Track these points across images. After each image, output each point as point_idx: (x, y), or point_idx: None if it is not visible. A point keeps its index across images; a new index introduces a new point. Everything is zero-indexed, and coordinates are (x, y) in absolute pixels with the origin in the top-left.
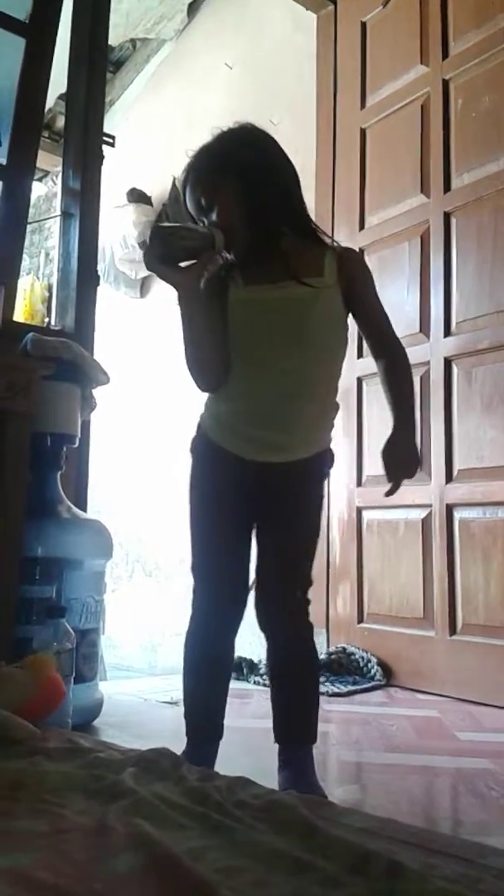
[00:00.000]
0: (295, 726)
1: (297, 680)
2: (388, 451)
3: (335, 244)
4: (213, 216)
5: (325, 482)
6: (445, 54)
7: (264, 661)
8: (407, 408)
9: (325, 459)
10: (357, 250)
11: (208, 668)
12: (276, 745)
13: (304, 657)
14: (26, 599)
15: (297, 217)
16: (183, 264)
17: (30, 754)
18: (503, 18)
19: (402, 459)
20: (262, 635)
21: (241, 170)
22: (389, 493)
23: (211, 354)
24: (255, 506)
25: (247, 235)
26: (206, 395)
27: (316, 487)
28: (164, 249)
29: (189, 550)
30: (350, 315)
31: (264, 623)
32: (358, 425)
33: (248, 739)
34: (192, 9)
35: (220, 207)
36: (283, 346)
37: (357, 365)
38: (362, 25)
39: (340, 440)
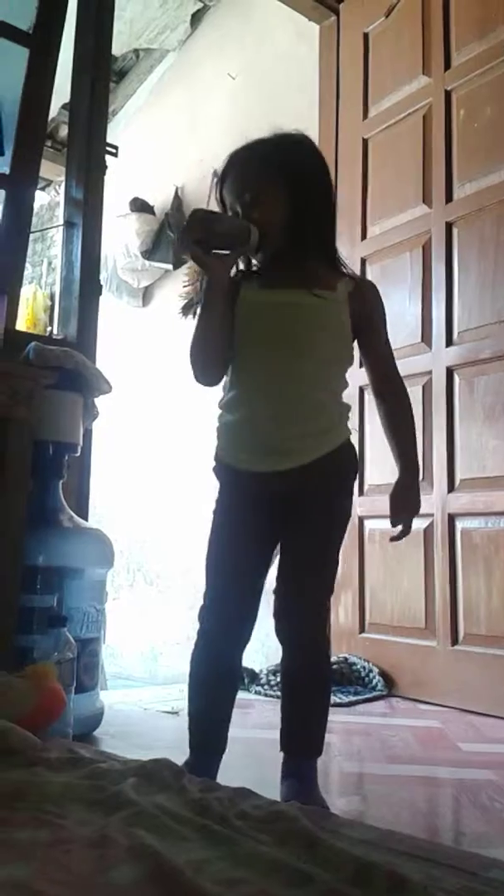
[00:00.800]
0: (302, 737)
1: (309, 692)
2: (398, 497)
3: (351, 273)
4: (253, 212)
5: (351, 482)
6: (448, 65)
7: (266, 671)
8: (413, 453)
9: (344, 455)
10: (374, 284)
11: (215, 684)
12: (279, 755)
13: (318, 670)
14: (27, 608)
15: (327, 239)
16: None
17: (30, 764)
18: None
19: (412, 505)
20: (264, 645)
21: (294, 176)
22: (400, 538)
23: (219, 347)
24: (279, 519)
25: (279, 240)
26: (213, 411)
27: (340, 492)
28: (202, 234)
29: (203, 567)
30: (357, 341)
31: (282, 632)
32: (360, 435)
33: (250, 750)
34: (196, 19)
35: (265, 205)
36: (288, 348)
37: (359, 375)
38: (365, 36)
39: None
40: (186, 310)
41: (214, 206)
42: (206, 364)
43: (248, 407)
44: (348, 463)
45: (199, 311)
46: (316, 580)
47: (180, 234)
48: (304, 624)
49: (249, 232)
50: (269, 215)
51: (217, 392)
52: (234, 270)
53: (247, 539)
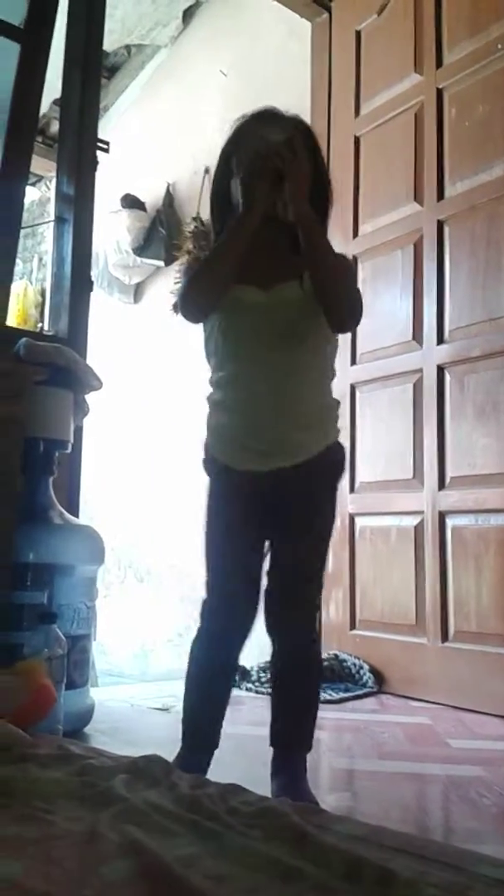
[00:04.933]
0: (291, 732)
1: (299, 687)
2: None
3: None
4: (301, 155)
5: (339, 481)
6: (439, 63)
7: (257, 668)
8: (323, 248)
9: (334, 455)
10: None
11: (213, 679)
12: (270, 752)
13: (309, 666)
14: (17, 605)
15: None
16: None
17: (20, 761)
18: (497, 28)
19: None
20: (255, 642)
21: (316, 157)
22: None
23: (228, 278)
24: (270, 516)
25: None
26: (204, 407)
27: (327, 490)
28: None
29: (203, 564)
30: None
31: (273, 628)
32: (351, 431)
33: (241, 746)
34: (188, 15)
35: (305, 164)
36: (275, 347)
37: (350, 372)
38: (357, 34)
39: None
40: (177, 307)
41: (206, 204)
42: (211, 292)
43: (242, 404)
44: (337, 463)
45: (224, 234)
46: (307, 578)
47: (260, 162)
48: (297, 621)
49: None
50: (305, 176)
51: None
52: None
53: (245, 534)
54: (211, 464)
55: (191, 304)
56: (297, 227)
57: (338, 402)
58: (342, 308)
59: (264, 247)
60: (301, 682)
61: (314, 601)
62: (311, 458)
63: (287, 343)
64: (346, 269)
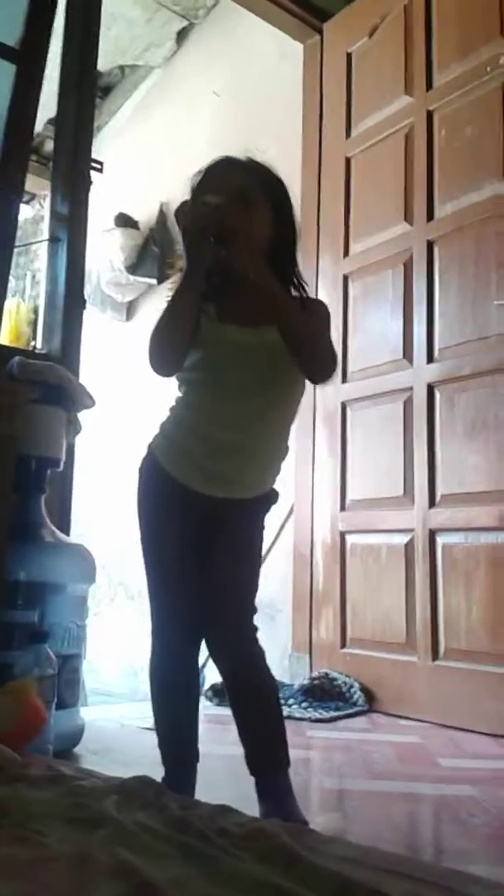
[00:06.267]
0: (266, 755)
1: (258, 706)
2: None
3: (305, 296)
4: (246, 211)
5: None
6: (429, 85)
7: None
8: (299, 320)
9: (271, 498)
10: (324, 302)
11: (178, 695)
12: None
13: (261, 681)
14: (8, 624)
15: (288, 273)
16: None
17: (11, 781)
18: (486, 51)
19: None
20: None
21: (281, 206)
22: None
23: (186, 335)
24: (203, 536)
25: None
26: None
27: (261, 522)
28: (215, 226)
29: (147, 579)
30: None
31: (217, 652)
32: (342, 449)
33: (230, 766)
34: (181, 37)
35: (257, 214)
36: (249, 388)
37: (342, 389)
38: (348, 56)
39: (324, 462)
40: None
41: None
42: (173, 352)
43: (206, 429)
44: (275, 497)
45: (172, 297)
46: (244, 601)
47: (194, 217)
48: (238, 641)
49: (240, 235)
50: (258, 224)
51: None
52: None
53: (186, 550)
54: (154, 471)
55: (155, 365)
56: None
57: (288, 449)
58: (314, 366)
59: (245, 288)
60: (258, 701)
61: (252, 618)
62: (248, 498)
63: (262, 386)
64: (316, 326)
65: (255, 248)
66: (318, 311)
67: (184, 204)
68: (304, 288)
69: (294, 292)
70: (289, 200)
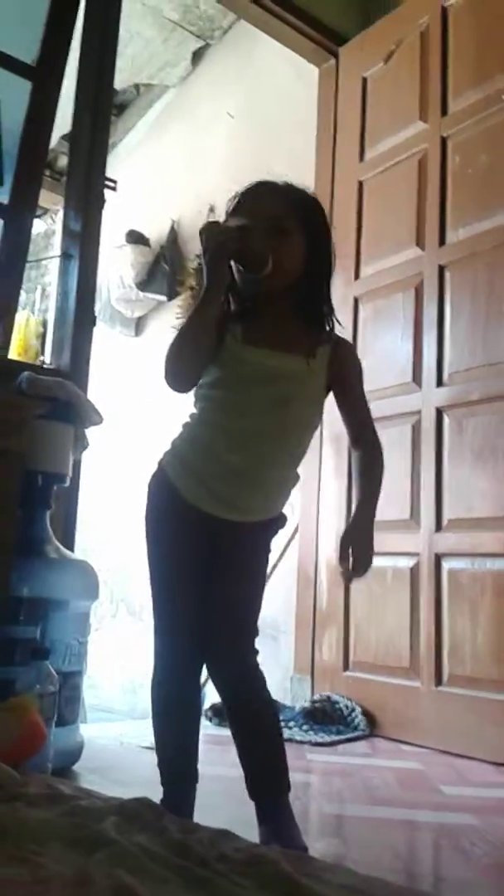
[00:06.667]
0: (266, 780)
1: (259, 731)
2: (350, 537)
3: (334, 333)
4: (278, 240)
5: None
6: (444, 112)
7: None
8: (375, 501)
9: (279, 521)
10: (351, 344)
11: (178, 715)
12: None
13: (262, 706)
14: (10, 640)
15: (321, 306)
16: None
17: (10, 800)
18: (501, 79)
19: (362, 546)
20: None
21: (313, 232)
22: (347, 580)
23: (204, 351)
24: (209, 556)
25: (281, 286)
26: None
27: (268, 545)
28: (239, 245)
29: (152, 598)
30: (334, 396)
31: (216, 674)
32: (348, 467)
33: (230, 788)
34: (197, 57)
35: (289, 241)
36: (268, 413)
37: None
38: (363, 80)
39: (330, 483)
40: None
41: None
42: (190, 367)
43: (218, 450)
44: (283, 521)
45: (190, 314)
46: (246, 624)
47: (218, 236)
48: (239, 665)
49: (268, 261)
50: (289, 253)
51: None
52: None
53: (191, 570)
54: (160, 481)
55: (170, 380)
56: (300, 296)
57: (299, 476)
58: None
59: (274, 314)
60: (259, 726)
61: (253, 643)
62: (256, 521)
63: (281, 410)
64: (380, 473)
65: (282, 277)
66: (354, 369)
67: (212, 224)
68: (333, 321)
69: (328, 323)
70: (327, 231)
